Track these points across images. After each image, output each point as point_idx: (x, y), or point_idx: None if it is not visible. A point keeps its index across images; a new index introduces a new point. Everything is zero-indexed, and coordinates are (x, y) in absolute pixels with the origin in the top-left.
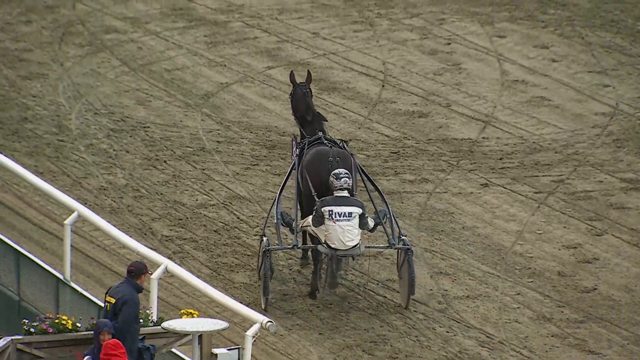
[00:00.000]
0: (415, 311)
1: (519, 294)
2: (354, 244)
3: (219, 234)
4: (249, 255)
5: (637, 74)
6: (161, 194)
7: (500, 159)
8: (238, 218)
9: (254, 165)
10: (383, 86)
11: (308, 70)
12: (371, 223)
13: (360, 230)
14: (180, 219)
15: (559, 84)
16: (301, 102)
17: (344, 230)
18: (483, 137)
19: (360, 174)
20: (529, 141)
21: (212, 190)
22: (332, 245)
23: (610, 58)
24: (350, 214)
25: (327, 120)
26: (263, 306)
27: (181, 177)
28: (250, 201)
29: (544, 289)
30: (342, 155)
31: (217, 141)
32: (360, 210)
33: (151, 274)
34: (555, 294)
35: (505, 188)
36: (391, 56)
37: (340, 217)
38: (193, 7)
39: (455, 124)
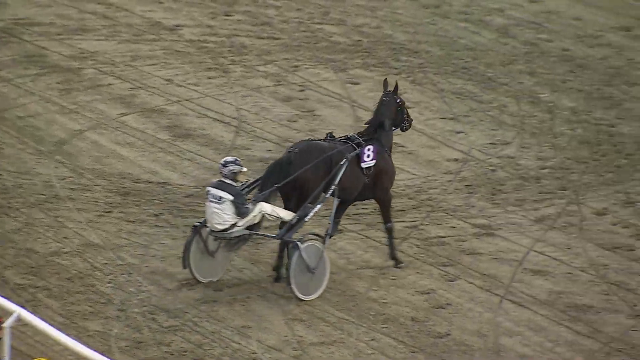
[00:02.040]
0: (270, 357)
1: (373, 339)
2: (222, 228)
3: (73, 281)
4: (102, 303)
5: (489, 120)
6: (13, 241)
7: (355, 205)
8: (92, 266)
9: (107, 212)
10: (237, 132)
11: (396, 82)
12: (253, 212)
13: (238, 218)
14: (33, 267)
15: (412, 131)
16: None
17: (212, 212)
18: None
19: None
20: None
21: (65, 237)
22: (207, 225)
23: (462, 104)
24: (220, 197)
25: (383, 128)
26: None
27: (34, 224)
28: (104, 248)
29: (397, 334)
30: (306, 149)
31: (71, 188)
32: (230, 197)
33: (3, 322)
34: (409, 340)
35: (359, 234)
36: (245, 102)
37: (212, 198)
38: (46, 54)
39: None
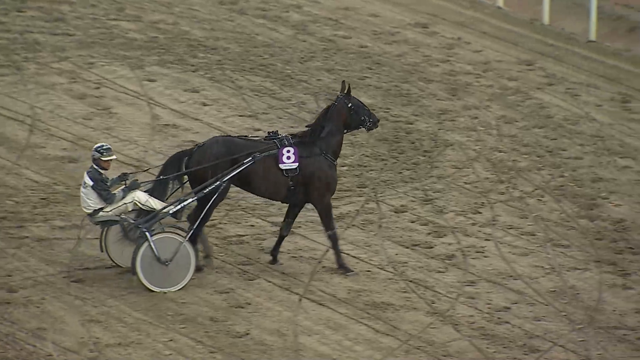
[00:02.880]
0: (66, 359)
1: (171, 340)
2: (87, 212)
3: None
4: None
5: (287, 118)
6: None
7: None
8: None
9: None
10: (31, 131)
11: (348, 84)
12: (124, 200)
13: (104, 203)
14: None
15: (210, 128)
16: None
17: (81, 196)
18: None
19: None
20: None
21: None
22: None
23: (260, 102)
24: (85, 182)
25: (314, 130)
26: None
27: None
28: None
29: (196, 334)
30: (210, 144)
31: None
32: (91, 182)
33: None
34: (207, 340)
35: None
36: (39, 100)
37: (83, 183)
38: None
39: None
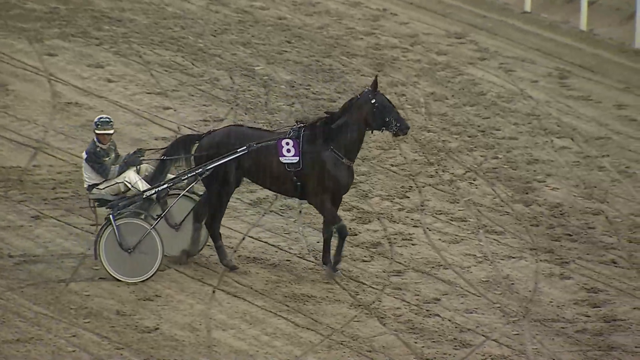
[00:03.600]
0: None
1: (74, 335)
2: (85, 186)
3: None
4: None
5: (199, 95)
6: None
7: (54, 188)
8: None
9: None
10: None
11: (375, 77)
12: (116, 179)
13: (99, 179)
14: None
15: (116, 106)
16: None
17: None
18: (34, 165)
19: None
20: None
21: None
22: None
23: (170, 78)
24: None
25: (327, 119)
26: None
27: None
28: None
29: (101, 329)
30: (217, 133)
31: None
32: (85, 156)
33: None
34: (114, 335)
35: (59, 220)
36: None
37: None
38: None
39: (2, 150)
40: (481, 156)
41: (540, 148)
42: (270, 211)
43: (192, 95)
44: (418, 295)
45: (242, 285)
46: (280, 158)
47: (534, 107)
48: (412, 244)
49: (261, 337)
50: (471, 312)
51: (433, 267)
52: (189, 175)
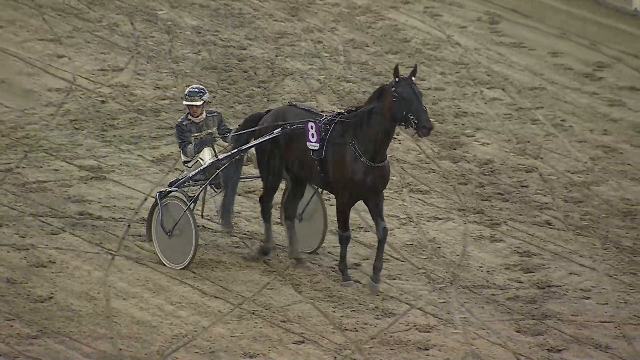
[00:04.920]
0: None
1: None
2: (182, 160)
3: None
4: None
5: (97, 43)
6: None
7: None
8: None
9: None
10: None
11: (396, 66)
12: (197, 155)
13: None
14: None
15: (5, 55)
16: None
17: None
18: None
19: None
20: None
21: None
22: None
23: (64, 23)
24: None
25: (350, 110)
26: None
27: None
28: None
29: None
30: (276, 111)
31: None
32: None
33: None
34: (3, 305)
35: None
36: None
37: None
38: None
39: None
40: None
41: (469, 100)
42: (175, 169)
43: (89, 42)
44: (336, 260)
45: (144, 250)
46: (307, 143)
47: (462, 54)
48: (331, 205)
49: (165, 306)
50: (394, 279)
51: (353, 230)
52: (232, 152)
